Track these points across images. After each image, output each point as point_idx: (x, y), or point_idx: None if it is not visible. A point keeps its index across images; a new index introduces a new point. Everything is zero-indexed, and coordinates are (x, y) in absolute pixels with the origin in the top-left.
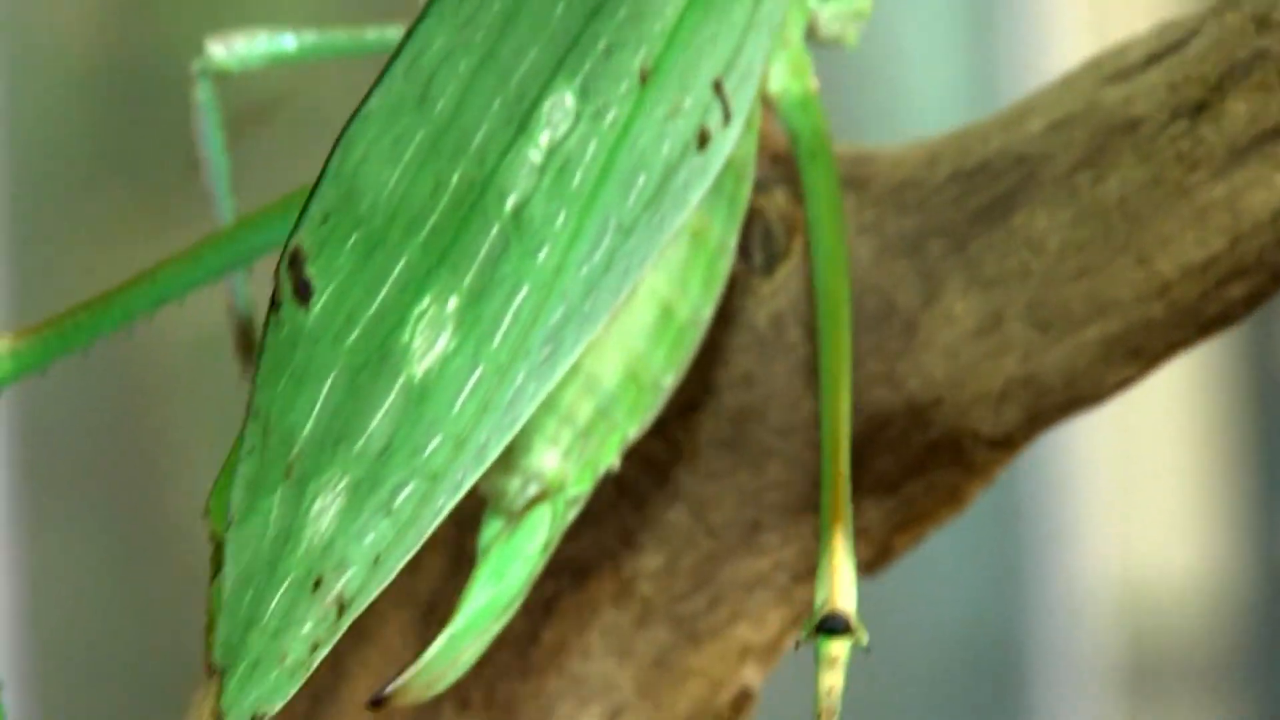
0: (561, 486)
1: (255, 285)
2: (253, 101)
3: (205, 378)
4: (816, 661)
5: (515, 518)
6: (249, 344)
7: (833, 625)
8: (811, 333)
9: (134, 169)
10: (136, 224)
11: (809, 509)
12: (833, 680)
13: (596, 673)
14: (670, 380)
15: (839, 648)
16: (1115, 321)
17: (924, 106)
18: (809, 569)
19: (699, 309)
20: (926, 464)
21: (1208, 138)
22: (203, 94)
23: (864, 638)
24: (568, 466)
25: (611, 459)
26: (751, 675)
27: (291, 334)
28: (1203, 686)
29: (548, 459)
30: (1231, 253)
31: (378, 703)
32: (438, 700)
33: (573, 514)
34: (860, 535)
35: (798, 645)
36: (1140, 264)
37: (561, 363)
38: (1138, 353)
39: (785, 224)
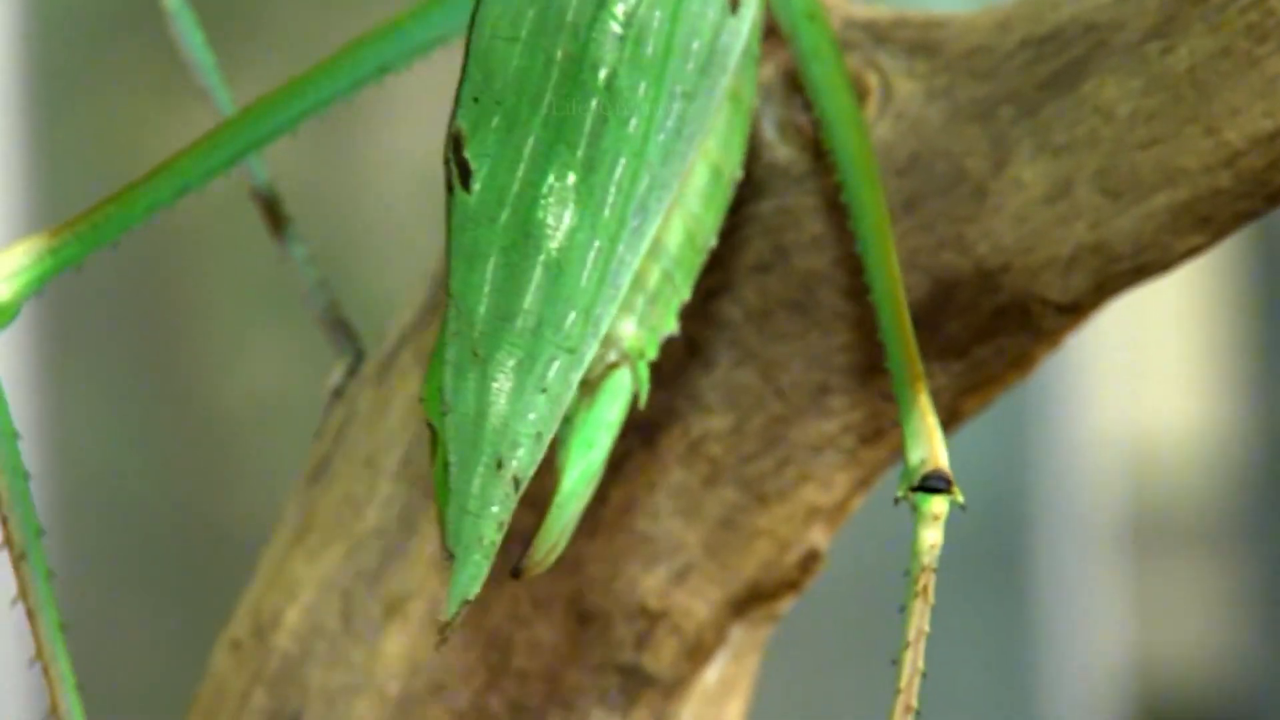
0: (641, 353)
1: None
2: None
3: (233, 240)
4: (916, 518)
5: (591, 387)
6: (277, 218)
7: (935, 484)
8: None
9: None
10: (167, 104)
11: (877, 372)
12: (934, 537)
13: (664, 532)
14: (714, 242)
15: (940, 505)
16: (1183, 190)
17: None
18: (876, 432)
19: (736, 169)
20: (995, 329)
21: (1276, 10)
22: (171, 1)
23: (960, 496)
24: (642, 333)
25: (672, 324)
26: (818, 536)
27: (462, 217)
28: (1206, 544)
29: (626, 326)
30: None
31: (517, 574)
32: (506, 559)
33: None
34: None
35: (896, 501)
36: (1208, 134)
37: (649, 231)
38: (1206, 221)
39: (859, 89)
